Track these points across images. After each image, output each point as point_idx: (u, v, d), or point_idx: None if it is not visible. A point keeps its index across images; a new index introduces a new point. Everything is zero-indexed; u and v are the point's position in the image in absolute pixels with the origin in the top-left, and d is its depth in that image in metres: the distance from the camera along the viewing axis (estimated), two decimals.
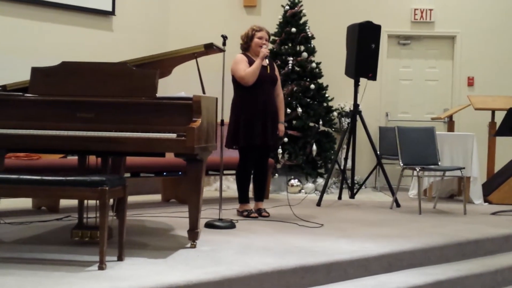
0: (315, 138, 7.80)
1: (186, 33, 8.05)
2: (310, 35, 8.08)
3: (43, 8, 7.01)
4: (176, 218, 5.22)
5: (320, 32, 8.23)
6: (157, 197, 6.73)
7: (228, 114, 5.50)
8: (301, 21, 8.09)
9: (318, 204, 6.52)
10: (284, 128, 5.70)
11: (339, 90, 8.21)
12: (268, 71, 5.53)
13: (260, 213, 5.54)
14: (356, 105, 6.93)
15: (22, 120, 3.85)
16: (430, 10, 8.90)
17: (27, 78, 4.05)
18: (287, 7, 8.09)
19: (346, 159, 7.17)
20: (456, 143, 7.13)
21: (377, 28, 6.88)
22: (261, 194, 5.70)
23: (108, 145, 3.76)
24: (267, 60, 5.55)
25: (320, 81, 8.06)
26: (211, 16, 8.44)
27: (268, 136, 5.44)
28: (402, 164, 6.36)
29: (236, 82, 5.47)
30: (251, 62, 5.44)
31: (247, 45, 5.57)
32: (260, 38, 5.50)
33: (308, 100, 7.86)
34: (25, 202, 5.67)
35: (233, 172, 5.74)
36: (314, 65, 7.99)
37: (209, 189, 7.69)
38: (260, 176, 5.68)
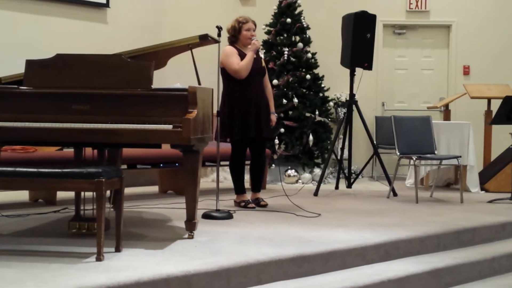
0: (311, 128, 7.80)
1: (181, 24, 8.02)
2: (305, 25, 8.07)
3: (37, 1, 6.97)
4: (173, 209, 5.22)
5: (316, 22, 8.22)
6: (154, 188, 6.73)
7: None
8: (296, 12, 8.08)
9: (315, 194, 6.53)
10: (276, 119, 5.71)
11: (335, 80, 8.20)
12: (262, 64, 5.52)
13: (259, 203, 5.54)
14: (352, 95, 6.93)
15: (17, 112, 3.84)
16: None
17: (21, 71, 4.03)
18: None
19: (342, 149, 7.17)
20: (453, 132, 7.13)
21: (372, 17, 6.87)
22: (259, 185, 5.70)
23: (104, 136, 3.75)
24: (260, 53, 5.53)
25: (316, 71, 8.06)
26: (206, 7, 8.41)
27: (262, 127, 5.43)
28: (398, 154, 6.37)
29: (227, 75, 5.43)
30: (241, 55, 5.41)
31: (235, 38, 5.53)
32: (248, 29, 5.47)
33: (304, 90, 7.85)
34: (22, 195, 5.66)
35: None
36: (309, 55, 7.99)
37: (206, 180, 7.69)
38: (258, 168, 5.68)
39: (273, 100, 5.72)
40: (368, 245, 4.04)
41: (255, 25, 5.57)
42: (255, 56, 5.43)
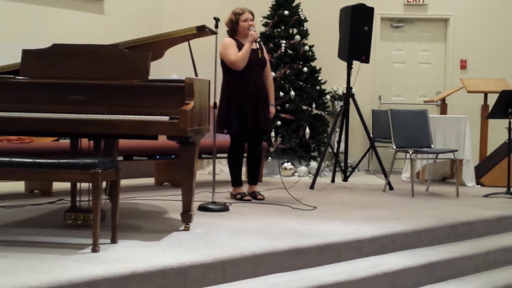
0: (308, 121, 7.80)
1: (179, 15, 8.00)
2: (303, 17, 8.05)
3: None
4: (169, 201, 5.22)
5: (313, 15, 8.20)
6: (150, 180, 6.72)
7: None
8: (294, 4, 8.05)
9: (311, 187, 6.53)
10: (274, 111, 5.70)
11: (332, 73, 8.20)
12: (260, 56, 5.50)
13: (255, 196, 5.54)
14: (349, 88, 6.93)
15: (14, 103, 3.83)
16: None
17: (18, 61, 4.02)
18: None
19: (339, 142, 7.18)
20: (449, 126, 7.14)
21: (370, 10, 6.86)
22: (255, 177, 5.70)
23: (100, 127, 3.74)
24: (256, 43, 5.50)
25: (313, 64, 8.04)
26: None
27: (260, 119, 5.42)
28: (395, 147, 6.37)
29: (225, 66, 5.43)
30: (240, 46, 5.40)
31: (233, 30, 5.51)
32: (245, 20, 5.44)
33: (301, 83, 7.84)
34: (18, 186, 5.66)
35: (226, 155, 5.73)
36: (307, 48, 7.97)
37: (202, 172, 7.69)
38: (254, 159, 5.68)
39: (273, 91, 5.70)
40: (364, 238, 4.05)
41: (253, 15, 5.54)
42: (256, 47, 5.41)
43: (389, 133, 6.53)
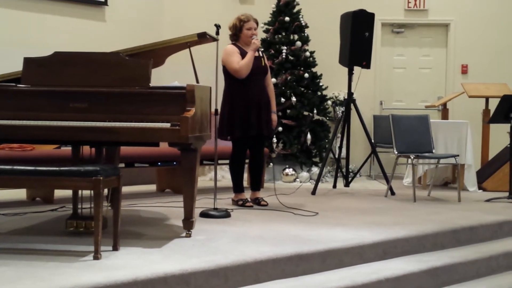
0: (309, 127, 7.80)
1: (180, 22, 8.02)
2: (303, 24, 8.06)
3: None
4: (171, 208, 5.22)
5: (314, 21, 8.21)
6: (152, 187, 6.72)
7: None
8: (295, 10, 8.07)
9: (313, 192, 6.52)
10: (277, 118, 5.71)
11: (333, 79, 8.20)
12: (262, 63, 5.50)
13: (259, 202, 5.54)
14: (350, 94, 6.93)
15: (15, 111, 3.83)
16: None
17: (19, 69, 4.03)
18: None
19: (340, 147, 7.18)
20: (450, 131, 7.14)
21: (371, 16, 6.86)
22: (258, 183, 5.71)
23: (102, 135, 3.75)
24: (258, 51, 5.51)
25: (314, 70, 8.05)
26: (205, 6, 8.40)
27: (263, 126, 5.43)
28: (396, 152, 6.37)
29: (228, 73, 5.44)
30: (242, 53, 5.41)
31: (236, 36, 5.53)
32: (249, 28, 5.46)
33: (302, 89, 7.84)
34: (20, 193, 5.66)
35: (228, 161, 5.73)
36: (308, 54, 7.97)
37: (204, 179, 7.68)
38: (256, 165, 5.69)
39: (274, 99, 5.71)
40: (366, 244, 4.05)
41: (257, 24, 5.56)
42: (256, 55, 5.43)
43: (390, 139, 6.53)
